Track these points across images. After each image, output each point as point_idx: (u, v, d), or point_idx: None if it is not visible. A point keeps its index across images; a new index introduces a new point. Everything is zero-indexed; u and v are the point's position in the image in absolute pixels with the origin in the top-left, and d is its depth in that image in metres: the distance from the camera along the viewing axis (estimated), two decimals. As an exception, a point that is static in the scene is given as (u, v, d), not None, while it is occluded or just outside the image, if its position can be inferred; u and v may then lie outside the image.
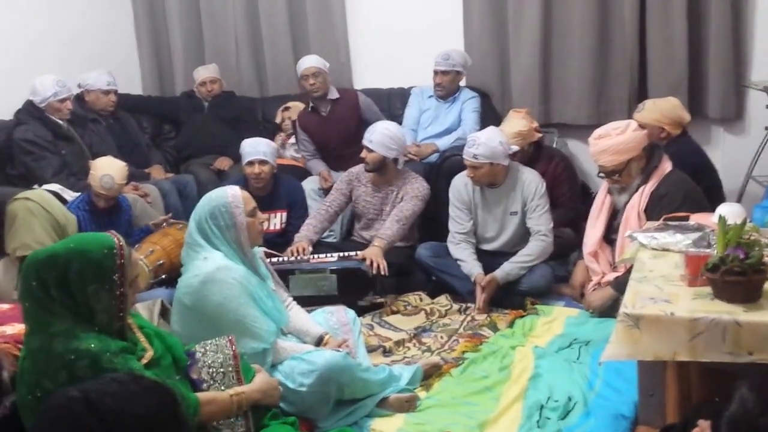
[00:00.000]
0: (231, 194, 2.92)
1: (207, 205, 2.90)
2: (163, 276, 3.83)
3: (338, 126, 4.99)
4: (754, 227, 2.45)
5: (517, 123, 4.36)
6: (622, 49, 4.93)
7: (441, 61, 4.94)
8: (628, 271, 3.01)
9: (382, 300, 4.03)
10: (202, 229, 2.87)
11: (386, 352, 3.50)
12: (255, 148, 4.33)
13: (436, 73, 4.97)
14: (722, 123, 4.96)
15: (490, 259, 4.07)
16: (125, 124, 5.21)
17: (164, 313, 3.27)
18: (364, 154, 4.27)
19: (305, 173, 5.05)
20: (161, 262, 3.83)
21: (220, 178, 5.03)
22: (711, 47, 4.79)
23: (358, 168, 4.41)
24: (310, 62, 5.05)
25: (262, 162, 4.31)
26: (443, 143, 4.91)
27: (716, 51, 4.78)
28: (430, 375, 3.21)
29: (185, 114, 5.57)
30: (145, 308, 3.22)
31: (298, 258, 4.07)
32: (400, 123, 5.13)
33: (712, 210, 2.92)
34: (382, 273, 3.94)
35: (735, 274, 2.20)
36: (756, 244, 2.27)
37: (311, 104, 5.10)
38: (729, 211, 2.58)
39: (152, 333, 2.38)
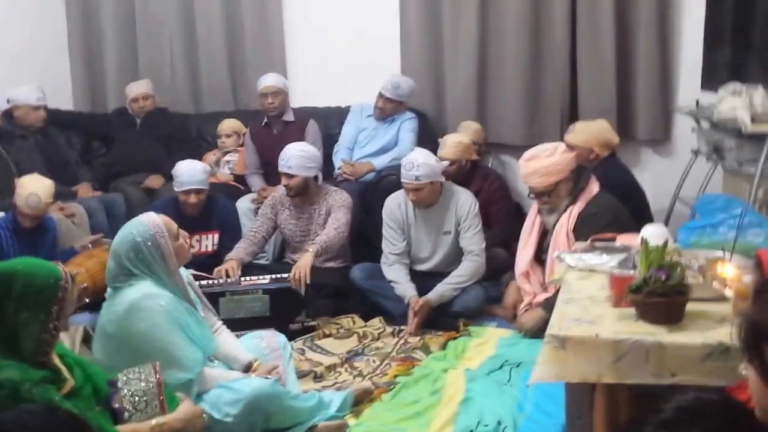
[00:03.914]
0: (152, 224, 2.79)
1: (128, 241, 2.75)
2: (87, 300, 3.70)
3: (286, 146, 4.95)
4: (676, 249, 2.48)
5: (461, 136, 4.50)
6: (554, 72, 5.02)
7: (390, 89, 4.95)
8: (558, 292, 3.02)
9: (314, 323, 3.97)
10: (123, 266, 2.73)
11: (317, 378, 3.45)
12: (192, 176, 4.25)
13: (381, 96, 4.98)
14: (650, 145, 5.08)
15: (424, 280, 4.06)
16: (54, 141, 5.08)
17: (86, 339, 3.16)
18: (284, 181, 4.24)
19: (239, 192, 5.00)
20: (85, 285, 3.71)
21: (151, 197, 4.93)
22: (639, 72, 4.91)
23: (281, 192, 4.36)
24: (269, 81, 5.05)
25: (198, 191, 4.26)
26: (379, 162, 4.92)
27: (644, 75, 4.90)
28: (361, 401, 3.16)
29: (116, 130, 5.45)
30: (66, 335, 3.10)
31: (229, 280, 4.00)
32: (336, 141, 5.17)
33: (639, 231, 2.95)
34: (306, 282, 3.89)
35: (657, 296, 2.21)
36: (678, 265, 2.29)
37: (266, 120, 5.09)
38: (653, 232, 2.61)
39: (73, 362, 2.30)
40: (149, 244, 2.74)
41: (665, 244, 2.37)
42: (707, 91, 4.39)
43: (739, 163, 3.95)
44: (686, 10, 4.85)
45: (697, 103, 4.43)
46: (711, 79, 4.45)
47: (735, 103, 3.72)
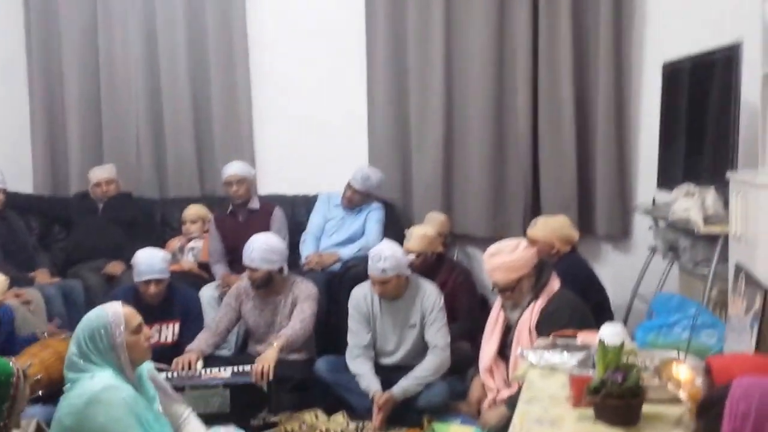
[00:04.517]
0: (112, 313, 2.78)
1: (87, 326, 2.76)
2: (40, 393, 3.58)
3: (252, 234, 4.96)
4: (632, 349, 2.52)
5: (427, 228, 4.57)
6: (517, 166, 5.18)
7: (359, 181, 5.03)
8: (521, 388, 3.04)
9: (276, 419, 3.90)
10: (83, 352, 2.72)
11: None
12: (151, 266, 4.20)
13: (350, 186, 5.05)
14: (610, 241, 5.20)
15: (389, 374, 4.05)
16: (12, 225, 5.03)
17: (39, 433, 3.07)
18: (249, 273, 4.24)
19: (203, 280, 4.97)
20: (38, 376, 3.56)
21: (111, 284, 4.87)
22: (598, 168, 5.08)
23: (246, 282, 4.35)
24: (234, 169, 5.09)
25: (158, 281, 4.22)
26: (346, 253, 4.96)
27: (603, 172, 5.06)
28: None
29: (77, 215, 5.39)
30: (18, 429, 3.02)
31: (189, 373, 3.94)
32: (303, 230, 5.21)
33: (599, 327, 3.00)
34: (269, 378, 3.85)
35: (614, 398, 2.24)
36: (634, 366, 2.34)
37: (231, 208, 5.11)
38: (610, 332, 2.65)
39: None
40: (103, 332, 2.73)
41: (621, 345, 2.41)
42: (663, 190, 4.53)
43: (694, 263, 4.05)
44: (643, 109, 5.06)
45: (654, 201, 4.57)
46: (666, 179, 4.58)
47: (688, 204, 3.84)
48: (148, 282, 4.20)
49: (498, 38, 5.12)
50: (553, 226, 4.21)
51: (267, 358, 3.92)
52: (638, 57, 5.03)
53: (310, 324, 4.21)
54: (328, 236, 5.15)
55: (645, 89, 5.04)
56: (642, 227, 4.93)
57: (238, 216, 5.13)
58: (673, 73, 4.63)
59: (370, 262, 4.03)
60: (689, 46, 4.38)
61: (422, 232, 4.49)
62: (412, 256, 4.24)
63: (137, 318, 2.85)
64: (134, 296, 4.16)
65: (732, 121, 3.86)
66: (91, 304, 3.88)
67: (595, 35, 5.02)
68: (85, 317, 2.81)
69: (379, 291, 4.05)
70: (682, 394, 2.35)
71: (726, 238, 3.64)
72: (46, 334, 3.95)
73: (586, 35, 5.05)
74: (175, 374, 3.92)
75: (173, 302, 4.35)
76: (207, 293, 4.80)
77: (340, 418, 3.98)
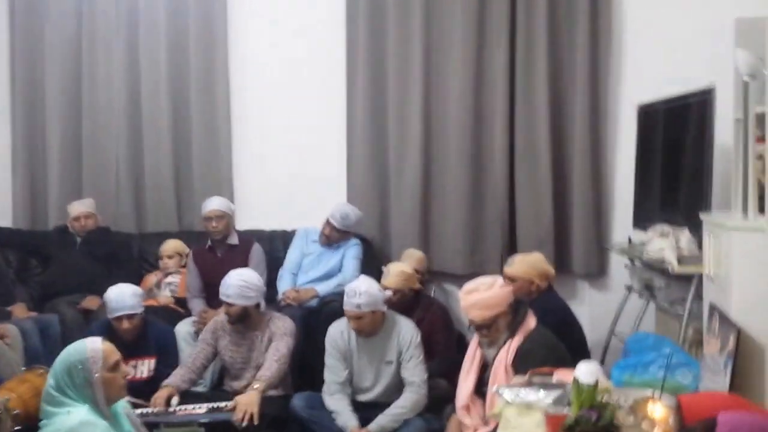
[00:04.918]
0: (90, 348, 2.79)
1: (65, 360, 2.77)
2: (18, 428, 3.56)
3: (230, 270, 4.94)
4: (607, 388, 2.54)
5: (404, 265, 4.59)
6: (494, 204, 5.22)
7: (339, 219, 5.05)
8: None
9: (252, 456, 3.86)
10: (59, 386, 2.73)
11: None
12: (120, 303, 4.19)
13: (328, 223, 5.07)
14: (587, 279, 5.24)
15: (365, 411, 4.02)
16: (-10, 258, 4.99)
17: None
18: (225, 309, 4.24)
19: (180, 316, 4.94)
20: (17, 411, 3.56)
21: (87, 319, 4.84)
22: (575, 206, 5.15)
23: (222, 318, 4.33)
24: (214, 205, 5.09)
25: (130, 316, 4.20)
26: (323, 288, 4.96)
27: (579, 210, 5.13)
28: None
29: (55, 249, 5.36)
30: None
31: (165, 410, 3.91)
32: (281, 265, 5.20)
33: (575, 365, 3.02)
34: (254, 422, 3.81)
35: (589, 436, 2.27)
36: (608, 405, 2.36)
37: (209, 243, 5.10)
38: (586, 370, 2.67)
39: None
40: (80, 368, 2.73)
41: (596, 383, 2.43)
42: (639, 230, 4.59)
43: (669, 302, 4.10)
44: (619, 149, 5.14)
45: (630, 240, 4.62)
46: (642, 218, 4.65)
47: (662, 244, 3.89)
48: (120, 318, 4.19)
49: (476, 78, 5.20)
50: (531, 263, 4.22)
51: (249, 402, 3.88)
52: (614, 99, 5.13)
53: (287, 362, 4.19)
54: (306, 272, 5.14)
55: (621, 130, 5.12)
56: (618, 266, 4.97)
57: (217, 251, 5.12)
58: (648, 115, 4.72)
59: (345, 298, 4.04)
60: (664, 90, 4.48)
61: (400, 269, 4.51)
62: (388, 293, 4.25)
63: (116, 355, 2.85)
64: (109, 332, 4.12)
65: (705, 164, 3.94)
66: (67, 339, 3.87)
67: (571, 77, 5.12)
68: (65, 351, 2.82)
69: (355, 326, 4.05)
70: (657, 432, 2.37)
71: (701, 277, 3.69)
72: (24, 368, 3.91)
73: (563, 76, 5.15)
74: (151, 410, 3.88)
75: (149, 338, 4.33)
76: (183, 329, 4.76)
77: (316, 455, 3.95)
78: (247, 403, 3.86)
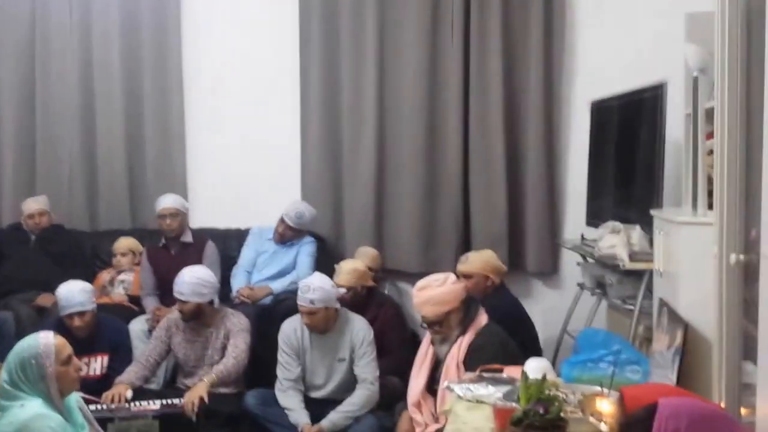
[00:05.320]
0: (43, 343, 2.84)
1: (18, 355, 2.83)
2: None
3: (183, 268, 4.91)
4: (554, 382, 2.56)
5: (356, 262, 4.58)
6: (449, 202, 5.23)
7: (293, 218, 5.03)
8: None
9: (205, 452, 3.85)
10: (13, 381, 2.79)
11: None
12: (71, 300, 4.17)
13: (283, 222, 5.04)
14: (540, 277, 5.27)
15: (318, 407, 4.02)
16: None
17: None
18: (178, 306, 4.21)
19: (133, 313, 4.90)
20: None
21: (41, 316, 4.78)
22: (528, 204, 5.17)
23: (176, 315, 4.31)
24: (168, 202, 5.06)
25: (80, 313, 4.17)
26: (277, 286, 4.95)
27: (533, 208, 5.15)
28: None
29: (9, 247, 5.28)
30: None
31: (118, 405, 3.89)
32: (235, 263, 5.17)
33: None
34: (204, 403, 3.85)
35: (535, 429, 2.28)
36: (556, 399, 2.37)
37: (163, 241, 5.07)
38: (534, 366, 2.70)
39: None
40: (33, 362, 2.79)
41: (544, 377, 2.45)
42: (591, 227, 4.63)
43: (621, 299, 4.14)
44: (572, 146, 5.17)
45: (582, 237, 4.66)
46: (595, 215, 4.69)
47: (614, 240, 3.93)
48: (71, 315, 4.16)
49: (429, 75, 5.20)
50: (484, 259, 4.29)
51: (197, 390, 3.92)
52: (567, 95, 5.16)
53: (245, 358, 4.18)
54: (260, 270, 5.12)
55: (574, 127, 5.16)
56: (571, 263, 5.02)
57: (171, 249, 5.08)
58: (601, 111, 4.76)
59: (299, 293, 4.04)
60: (617, 86, 4.51)
61: (352, 267, 4.50)
62: (342, 290, 4.24)
63: (68, 349, 2.90)
64: (61, 329, 4.01)
65: (657, 160, 3.97)
66: (21, 336, 3.76)
67: (525, 74, 5.14)
68: (17, 345, 2.88)
69: (307, 322, 4.04)
70: (604, 427, 2.40)
71: (652, 274, 3.73)
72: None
73: (517, 74, 5.16)
74: (104, 406, 3.88)
75: (101, 335, 4.30)
76: (137, 326, 4.72)
77: (269, 452, 3.93)
78: (192, 395, 3.90)
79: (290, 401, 4.02)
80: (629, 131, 4.34)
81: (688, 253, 3.15)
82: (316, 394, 4.14)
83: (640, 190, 4.18)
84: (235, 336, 4.20)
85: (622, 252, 3.83)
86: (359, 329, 4.10)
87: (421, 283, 3.65)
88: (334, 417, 3.93)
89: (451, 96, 5.18)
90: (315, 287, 3.99)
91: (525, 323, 4.20)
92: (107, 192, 5.61)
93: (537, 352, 4.00)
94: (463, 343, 3.53)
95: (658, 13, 4.79)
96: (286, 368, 4.10)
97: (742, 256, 2.52)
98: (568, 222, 5.19)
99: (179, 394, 4.06)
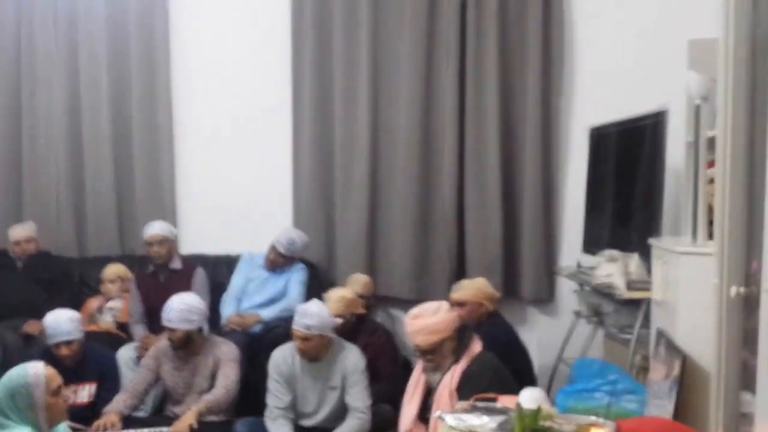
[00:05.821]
0: (33, 373, 2.86)
1: (7, 384, 2.85)
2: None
3: (172, 295, 4.85)
4: (548, 414, 2.50)
5: (345, 290, 4.51)
6: (443, 228, 5.17)
7: (285, 245, 4.98)
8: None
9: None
10: (2, 409, 2.80)
11: None
12: (57, 329, 4.14)
13: (274, 249, 5.00)
14: (535, 305, 5.21)
15: (308, 436, 3.95)
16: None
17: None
18: (167, 334, 4.16)
19: (121, 341, 4.83)
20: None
21: (28, 343, 4.73)
22: (524, 233, 5.12)
23: (165, 343, 4.25)
24: (155, 230, 5.01)
25: (68, 342, 4.13)
26: (267, 314, 4.88)
27: (528, 237, 5.09)
28: None
29: (-4, 273, 5.23)
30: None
31: (106, 433, 3.84)
32: (225, 290, 5.11)
33: (521, 391, 2.98)
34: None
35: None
36: (550, 430, 2.31)
37: (152, 267, 5.03)
38: (529, 396, 2.64)
39: None
40: (23, 392, 2.81)
41: (538, 409, 2.38)
42: (588, 254, 4.58)
43: (618, 328, 4.08)
44: (570, 173, 5.12)
45: (578, 265, 4.61)
46: (591, 243, 4.63)
47: (611, 269, 3.87)
48: (58, 344, 4.13)
49: (425, 101, 5.16)
50: (477, 286, 4.26)
51: (186, 419, 3.88)
52: (565, 121, 5.12)
53: (235, 389, 4.13)
54: (250, 297, 5.06)
55: (572, 153, 5.11)
56: (567, 291, 4.97)
57: (159, 276, 5.03)
58: (599, 138, 4.72)
59: (295, 317, 3.98)
60: (616, 112, 4.45)
61: (340, 295, 4.43)
62: (339, 320, 4.18)
63: (57, 380, 2.92)
64: (49, 358, 3.98)
65: (657, 188, 3.92)
66: (8, 364, 3.79)
67: (522, 100, 5.10)
68: (7, 374, 2.89)
69: (300, 347, 3.97)
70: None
71: (649, 303, 3.67)
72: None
73: (514, 99, 5.13)
74: (92, 435, 3.83)
75: (89, 363, 4.27)
76: (125, 354, 4.67)
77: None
78: (182, 423, 3.87)
79: (280, 430, 3.96)
80: (628, 158, 4.30)
81: (686, 283, 3.10)
82: (306, 423, 4.08)
83: (639, 218, 4.13)
84: (225, 365, 4.15)
85: (618, 280, 3.78)
86: (352, 358, 4.04)
87: (414, 311, 3.62)
88: (325, 446, 3.86)
89: (446, 122, 5.14)
90: (312, 313, 3.95)
91: (520, 351, 4.15)
92: (95, 218, 5.56)
93: (532, 380, 3.95)
94: (456, 371, 3.49)
95: (658, 40, 4.77)
96: (276, 396, 4.04)
97: (742, 289, 2.47)
98: (564, 249, 5.13)
99: (168, 422, 4.01)
